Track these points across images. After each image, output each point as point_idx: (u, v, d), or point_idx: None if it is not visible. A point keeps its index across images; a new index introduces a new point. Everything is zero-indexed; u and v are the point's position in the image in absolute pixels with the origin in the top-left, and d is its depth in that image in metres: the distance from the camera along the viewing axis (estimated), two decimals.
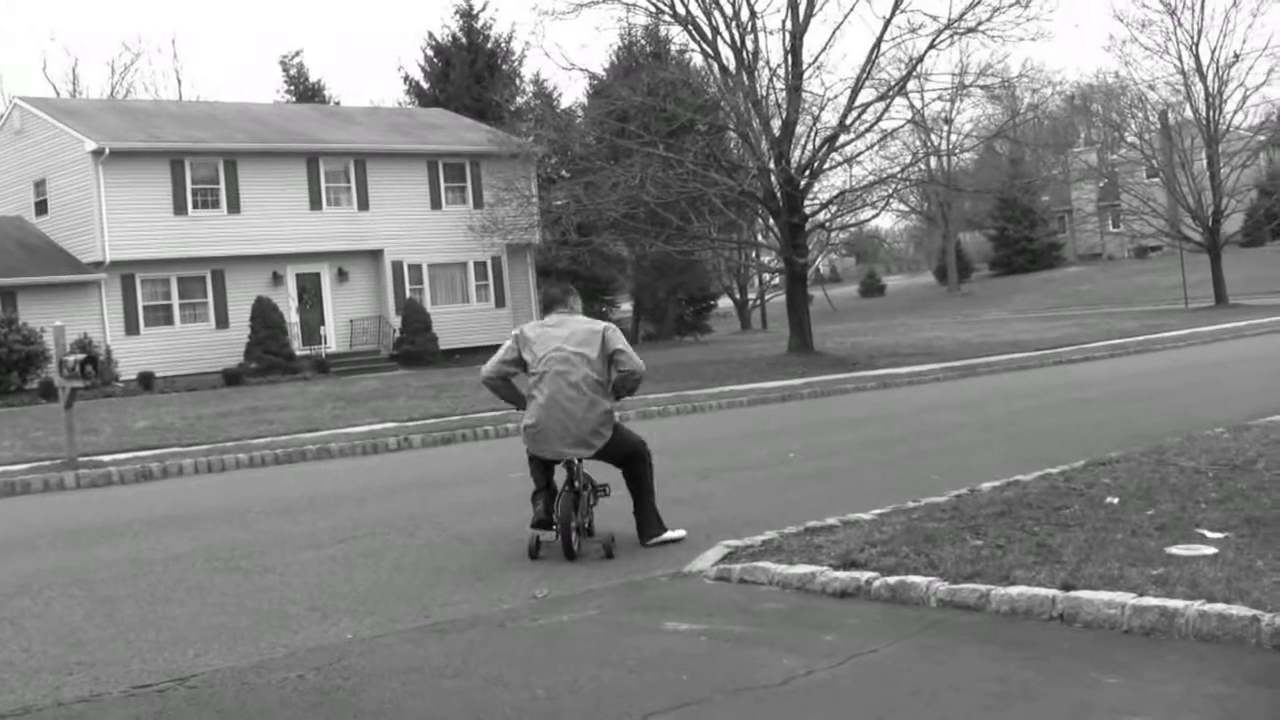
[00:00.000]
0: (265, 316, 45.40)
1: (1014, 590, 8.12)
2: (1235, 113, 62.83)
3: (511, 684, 7.32)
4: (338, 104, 72.98)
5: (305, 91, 76.96)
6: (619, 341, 11.67)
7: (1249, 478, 11.57)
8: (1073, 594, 7.87)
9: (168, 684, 7.77)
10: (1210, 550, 8.71)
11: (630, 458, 11.81)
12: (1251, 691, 6.47)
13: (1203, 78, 61.22)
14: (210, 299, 46.99)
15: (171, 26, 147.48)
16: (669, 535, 11.68)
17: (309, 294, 49.44)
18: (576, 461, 11.48)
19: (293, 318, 47.95)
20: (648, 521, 11.75)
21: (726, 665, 7.45)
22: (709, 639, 8.08)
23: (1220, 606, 7.31)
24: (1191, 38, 60.78)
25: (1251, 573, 8.00)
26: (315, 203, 49.10)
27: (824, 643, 7.72)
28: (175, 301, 46.36)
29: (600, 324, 11.94)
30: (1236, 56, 60.17)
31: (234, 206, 47.04)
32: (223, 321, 46.78)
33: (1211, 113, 61.45)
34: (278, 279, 48.19)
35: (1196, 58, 61.03)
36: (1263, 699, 6.41)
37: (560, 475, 11.69)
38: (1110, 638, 7.44)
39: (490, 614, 9.16)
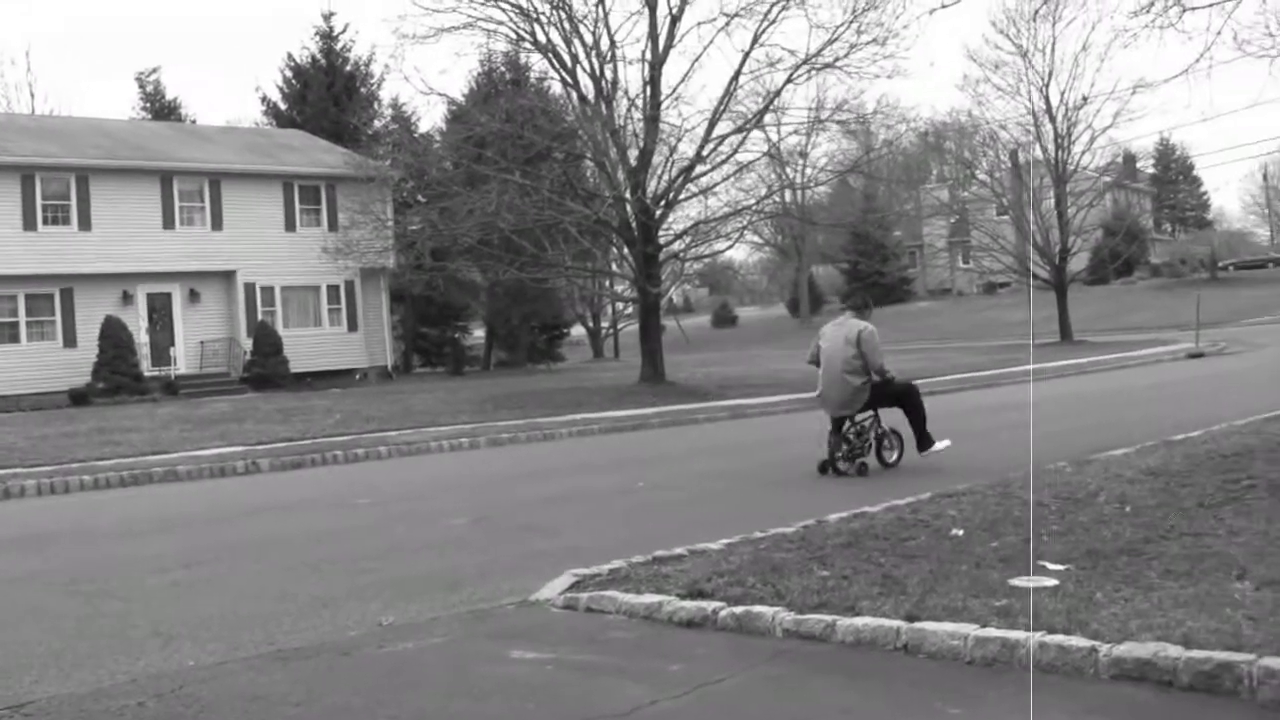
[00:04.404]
0: (114, 336, 44.62)
1: (859, 621, 8.19)
2: (1083, 154, 64.04)
3: (356, 713, 7.27)
4: (194, 122, 72.09)
5: (162, 109, 76.01)
6: (865, 343, 17.23)
7: (1090, 511, 11.76)
8: (917, 625, 7.94)
9: (2, 711, 7.61)
10: (1051, 582, 8.84)
11: (899, 399, 17.75)
12: None
13: (1052, 119, 62.33)
14: (58, 317, 46.11)
15: (26, 39, 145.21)
16: (938, 446, 17.70)
17: (159, 314, 48.74)
18: (848, 418, 17.41)
19: (142, 338, 47.19)
20: (921, 438, 17.71)
21: (573, 695, 7.43)
22: (555, 668, 8.05)
23: (1060, 638, 7.41)
24: (1042, 79, 61.86)
25: (1091, 604, 8.13)
26: (168, 221, 48.43)
27: (670, 673, 7.73)
28: (22, 319, 45.44)
29: (861, 325, 17.47)
30: (1085, 99, 61.22)
31: (85, 223, 46.26)
32: (70, 340, 45.92)
33: (1060, 153, 62.58)
34: (128, 298, 47.45)
35: (1047, 99, 62.15)
36: None
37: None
38: (953, 668, 7.52)
39: (336, 641, 9.08)
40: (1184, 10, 17.67)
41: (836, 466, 17.23)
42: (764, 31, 38.72)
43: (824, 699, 7.12)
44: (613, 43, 39.37)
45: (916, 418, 17.79)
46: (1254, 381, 31.34)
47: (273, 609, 10.37)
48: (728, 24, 38.73)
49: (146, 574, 12.31)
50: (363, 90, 69.39)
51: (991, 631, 7.67)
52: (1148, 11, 17.89)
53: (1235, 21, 18.22)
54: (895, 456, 17.85)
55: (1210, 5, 17.52)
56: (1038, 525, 11.10)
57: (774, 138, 48.22)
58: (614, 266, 53.08)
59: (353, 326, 53.14)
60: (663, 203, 40.05)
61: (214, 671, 8.35)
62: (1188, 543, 10.01)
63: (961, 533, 10.97)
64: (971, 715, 6.72)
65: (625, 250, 43.06)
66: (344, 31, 70.24)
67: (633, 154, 40.13)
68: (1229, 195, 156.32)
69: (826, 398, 17.63)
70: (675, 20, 39.17)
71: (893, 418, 18.19)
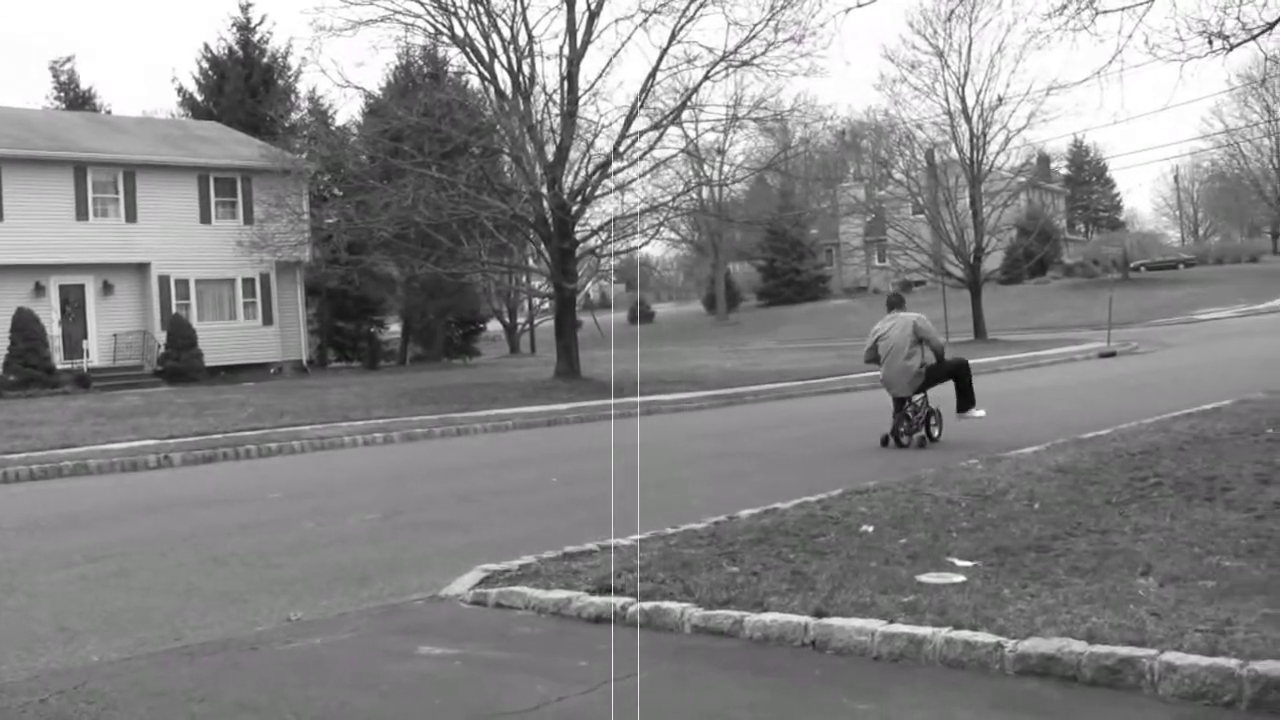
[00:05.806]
0: (26, 328, 44.12)
1: (767, 617, 8.20)
2: (998, 154, 64.59)
3: (261, 709, 7.21)
4: (109, 113, 71.39)
5: (76, 99, 75.18)
6: (925, 331, 19.92)
7: (999, 508, 11.84)
8: (825, 621, 7.96)
9: None
10: (959, 578, 8.90)
11: (952, 374, 20.14)
12: (995, 717, 6.60)
13: (968, 119, 62.84)
14: None
15: None
16: (975, 412, 20.21)
17: (72, 306, 48.27)
18: (908, 397, 19.78)
19: (55, 330, 46.70)
20: (963, 399, 20.21)
21: (480, 690, 7.40)
22: (463, 664, 8.02)
23: (966, 634, 7.46)
24: (958, 80, 62.40)
25: (997, 600, 8.18)
26: (82, 213, 48.01)
27: (578, 668, 7.71)
28: None
29: (914, 316, 20.21)
30: (1000, 100, 61.74)
31: None
32: None
33: (975, 153, 63.07)
34: (40, 290, 46.98)
35: (962, 100, 62.66)
36: None
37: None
38: (861, 664, 7.54)
39: (242, 637, 9.00)
40: (1096, 13, 17.88)
41: (899, 440, 19.63)
42: (682, 28, 38.83)
43: (732, 695, 7.12)
44: (530, 37, 39.37)
45: (964, 384, 20.27)
46: (1163, 381, 31.63)
47: (180, 604, 10.28)
48: (646, 20, 38.80)
49: (52, 569, 12.18)
50: (280, 82, 68.90)
51: (899, 627, 7.70)
52: (1061, 14, 18.12)
53: (1146, 26, 18.54)
54: (938, 432, 20.12)
55: (1122, 9, 17.73)
56: (947, 522, 11.17)
57: (691, 135, 48.26)
58: (530, 262, 52.94)
59: (268, 320, 52.84)
60: (579, 198, 40.07)
61: (118, 667, 8.26)
62: (1094, 539, 10.10)
63: (871, 529, 11.02)
64: (879, 710, 6.74)
65: (542, 246, 42.98)
66: (261, 23, 69.79)
67: (550, 149, 40.09)
68: (1141, 197, 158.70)
69: (891, 383, 20.07)
70: (593, 16, 39.24)
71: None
